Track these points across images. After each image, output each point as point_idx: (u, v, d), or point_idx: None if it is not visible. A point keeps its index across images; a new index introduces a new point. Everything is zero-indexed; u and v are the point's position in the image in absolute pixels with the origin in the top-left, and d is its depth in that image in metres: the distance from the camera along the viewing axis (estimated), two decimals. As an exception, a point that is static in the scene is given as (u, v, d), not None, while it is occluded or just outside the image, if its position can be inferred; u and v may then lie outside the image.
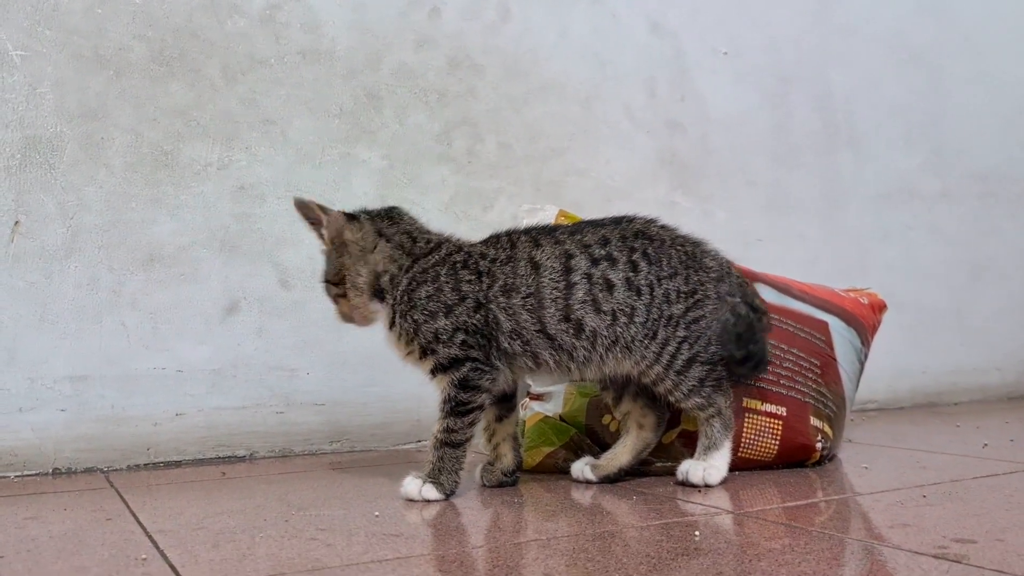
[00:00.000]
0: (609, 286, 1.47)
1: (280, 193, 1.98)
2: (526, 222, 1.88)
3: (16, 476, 1.74)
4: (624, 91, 2.40)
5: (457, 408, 1.44)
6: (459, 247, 1.53)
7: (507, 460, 1.57)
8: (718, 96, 2.52)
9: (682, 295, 1.50)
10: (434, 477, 1.44)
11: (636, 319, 1.48)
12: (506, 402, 1.57)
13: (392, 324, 1.49)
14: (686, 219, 2.43)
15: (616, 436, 1.65)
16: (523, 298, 1.46)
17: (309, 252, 1.95)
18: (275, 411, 1.97)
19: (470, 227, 2.16)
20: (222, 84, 1.95)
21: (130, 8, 1.88)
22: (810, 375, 1.70)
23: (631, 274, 1.48)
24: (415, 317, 1.46)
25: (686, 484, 1.51)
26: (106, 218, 1.83)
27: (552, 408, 1.76)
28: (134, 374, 1.85)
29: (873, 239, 2.73)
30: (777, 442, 1.63)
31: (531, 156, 2.27)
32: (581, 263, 1.48)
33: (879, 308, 1.95)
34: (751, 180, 2.56)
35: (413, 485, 1.43)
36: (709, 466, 1.51)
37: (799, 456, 1.65)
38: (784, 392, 1.66)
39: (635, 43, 2.42)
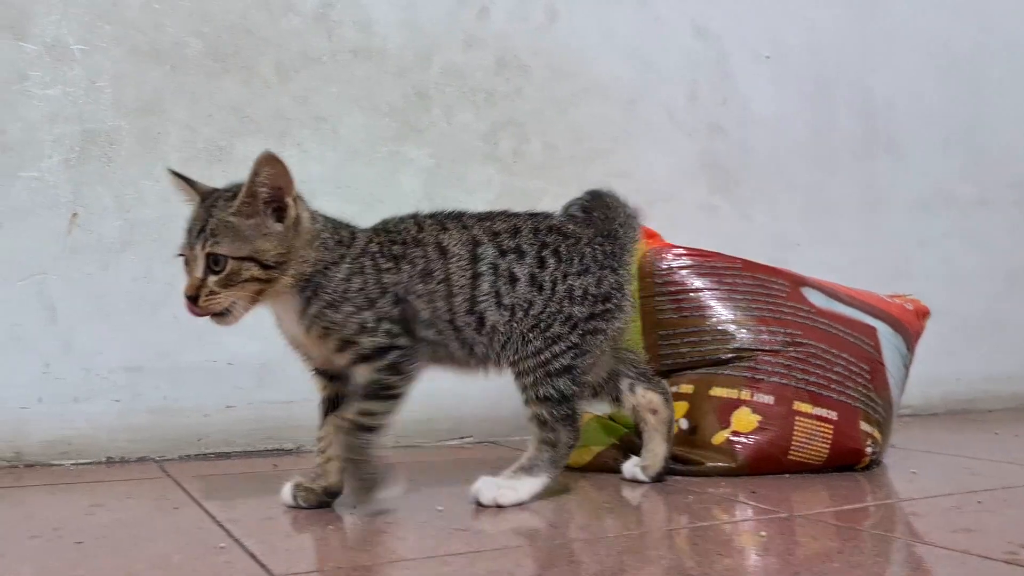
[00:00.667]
0: (513, 280, 1.40)
1: (330, 190, 2.00)
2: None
3: (72, 464, 1.76)
4: (667, 93, 2.41)
5: (382, 391, 1.31)
6: (371, 236, 1.39)
7: (333, 479, 1.36)
8: (759, 99, 2.53)
9: (589, 297, 1.43)
10: (375, 481, 1.31)
11: (531, 312, 1.40)
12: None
13: (304, 316, 1.31)
14: (725, 222, 2.46)
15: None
16: (436, 284, 1.37)
17: (358, 248, 1.96)
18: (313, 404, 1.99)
19: (514, 226, 2.18)
20: (275, 81, 1.97)
21: (187, 4, 1.90)
22: (860, 380, 1.71)
23: (536, 270, 1.41)
24: (345, 309, 1.31)
25: (478, 502, 1.37)
26: (161, 211, 1.85)
27: (603, 407, 1.78)
28: (186, 366, 1.87)
29: (910, 245, 2.73)
30: (828, 446, 1.64)
31: (575, 157, 2.28)
32: (488, 252, 1.40)
33: (923, 314, 1.96)
34: (790, 184, 2.57)
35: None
36: (509, 486, 1.39)
37: (849, 460, 1.66)
38: (835, 396, 1.67)
39: (678, 45, 2.43)
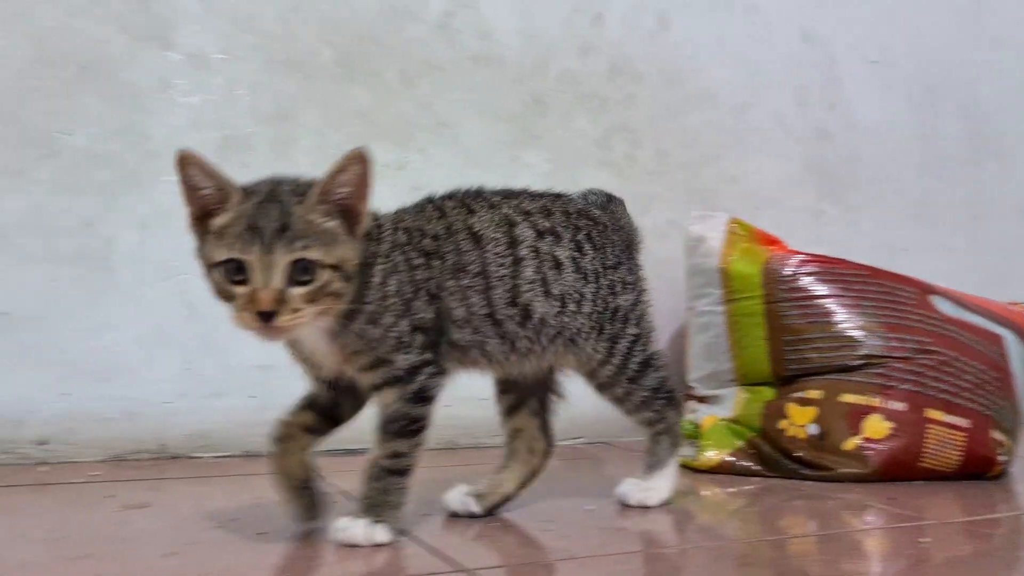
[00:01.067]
0: (558, 265, 1.26)
1: (452, 194, 2.05)
2: (695, 229, 1.93)
3: (211, 457, 1.83)
4: (775, 99, 2.42)
5: (408, 427, 1.15)
6: (394, 223, 1.20)
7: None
8: (866, 105, 2.53)
9: (627, 286, 1.35)
10: (379, 515, 1.14)
11: (583, 308, 1.28)
12: (331, 418, 1.26)
13: (342, 334, 1.13)
14: (832, 228, 2.46)
15: (794, 442, 1.68)
16: (471, 278, 1.20)
17: (479, 252, 2.01)
18: (443, 405, 2.03)
19: (627, 231, 2.21)
20: (400, 88, 2.03)
21: (318, 15, 1.96)
22: (990, 388, 1.71)
23: (577, 254, 1.28)
24: (385, 321, 1.13)
25: (625, 504, 1.39)
26: (295, 215, 1.91)
27: (723, 410, 1.80)
28: (315, 365, 1.93)
29: (1017, 252, 2.70)
30: (960, 454, 1.64)
31: (686, 163, 2.30)
32: (526, 233, 1.25)
33: (1043, 323, 1.94)
34: (897, 190, 2.56)
35: (357, 528, 1.13)
36: (650, 487, 1.39)
37: (980, 468, 1.66)
38: (967, 404, 1.67)
39: (787, 51, 2.43)
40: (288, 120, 1.93)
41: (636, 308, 1.35)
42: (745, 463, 1.70)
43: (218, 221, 1.07)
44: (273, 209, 1.05)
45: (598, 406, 2.16)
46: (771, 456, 1.69)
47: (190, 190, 1.08)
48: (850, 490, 1.57)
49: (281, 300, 1.02)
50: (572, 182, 2.16)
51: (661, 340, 2.24)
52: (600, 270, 1.31)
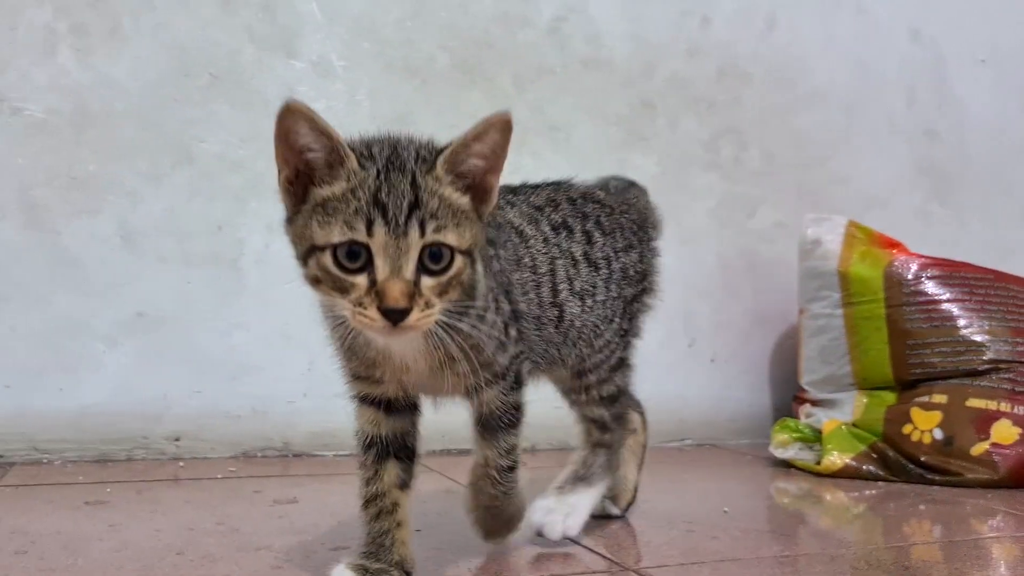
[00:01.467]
0: (575, 262, 1.16)
1: (563, 197, 2.07)
2: (811, 232, 1.92)
3: (333, 455, 1.88)
4: (884, 99, 2.40)
5: (516, 417, 1.04)
6: None
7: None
8: (976, 104, 2.49)
9: (635, 276, 1.23)
10: (518, 516, 1.08)
11: (597, 298, 1.17)
12: (410, 456, 1.06)
13: (446, 337, 0.91)
14: (941, 228, 2.43)
15: (919, 447, 1.67)
16: (526, 272, 1.10)
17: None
18: (553, 406, 2.05)
19: (734, 233, 2.22)
20: (513, 92, 2.05)
21: (436, 21, 1.99)
22: None
23: (587, 247, 1.18)
24: (489, 318, 0.98)
25: (540, 534, 1.18)
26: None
27: (842, 415, 1.80)
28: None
29: None
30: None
31: (794, 164, 2.29)
32: (546, 230, 1.15)
33: None
34: (1008, 190, 2.51)
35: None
36: (573, 508, 1.19)
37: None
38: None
39: (896, 51, 2.41)
40: (406, 124, 1.95)
41: (634, 304, 1.24)
42: (869, 467, 1.69)
43: (325, 191, 0.88)
44: (401, 180, 0.87)
45: (706, 409, 2.17)
46: (896, 461, 1.68)
47: (292, 150, 0.88)
48: (979, 496, 1.56)
49: (413, 294, 0.84)
50: (679, 184, 2.18)
51: (769, 342, 2.25)
52: (611, 255, 1.20)
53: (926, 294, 1.76)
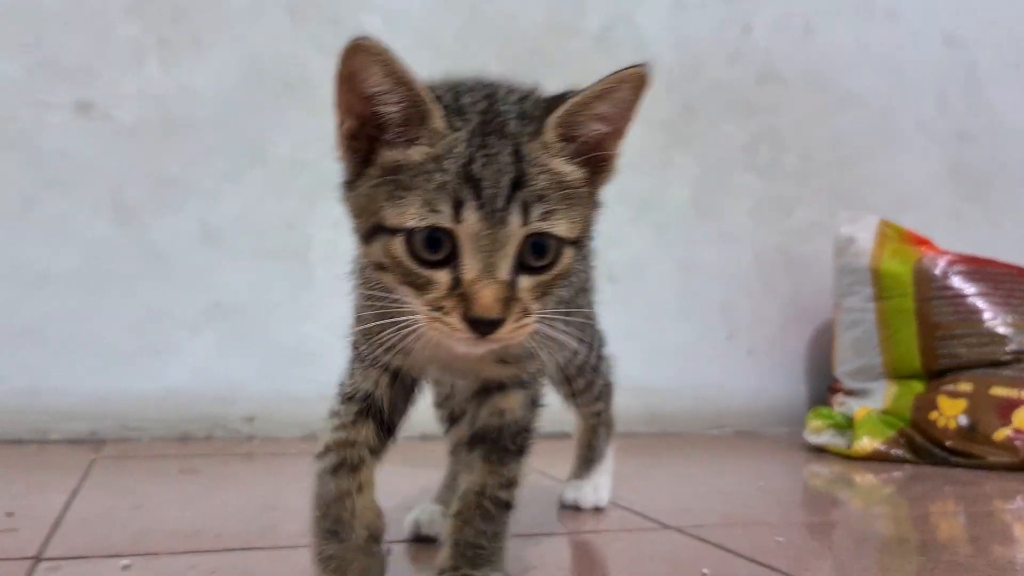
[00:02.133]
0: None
1: (609, 199, 2.19)
2: (845, 230, 2.02)
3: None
4: (917, 103, 2.49)
5: (528, 442, 0.89)
6: None
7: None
8: (1008, 107, 2.57)
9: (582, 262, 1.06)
10: (496, 567, 0.85)
11: (588, 294, 1.09)
12: (388, 429, 0.90)
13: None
14: (974, 229, 2.51)
15: (945, 432, 1.77)
16: None
17: (634, 251, 2.15)
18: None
19: (771, 231, 2.32)
20: (561, 98, 2.17)
21: (491, 31, 2.12)
22: None
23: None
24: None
25: (576, 507, 1.26)
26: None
27: (874, 403, 1.90)
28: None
29: None
30: None
31: (829, 166, 2.39)
32: None
33: None
34: (1039, 191, 2.59)
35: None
36: (598, 485, 1.27)
37: None
38: None
39: (929, 56, 2.50)
40: (462, 129, 2.10)
41: (589, 287, 1.10)
42: (897, 451, 1.79)
43: (398, 155, 0.71)
44: (500, 147, 0.69)
45: (746, 397, 2.28)
46: (922, 445, 1.78)
47: (359, 96, 0.72)
48: (1000, 478, 1.65)
49: (509, 299, 0.68)
50: (719, 185, 2.29)
51: (804, 335, 2.35)
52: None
53: (953, 289, 1.86)
